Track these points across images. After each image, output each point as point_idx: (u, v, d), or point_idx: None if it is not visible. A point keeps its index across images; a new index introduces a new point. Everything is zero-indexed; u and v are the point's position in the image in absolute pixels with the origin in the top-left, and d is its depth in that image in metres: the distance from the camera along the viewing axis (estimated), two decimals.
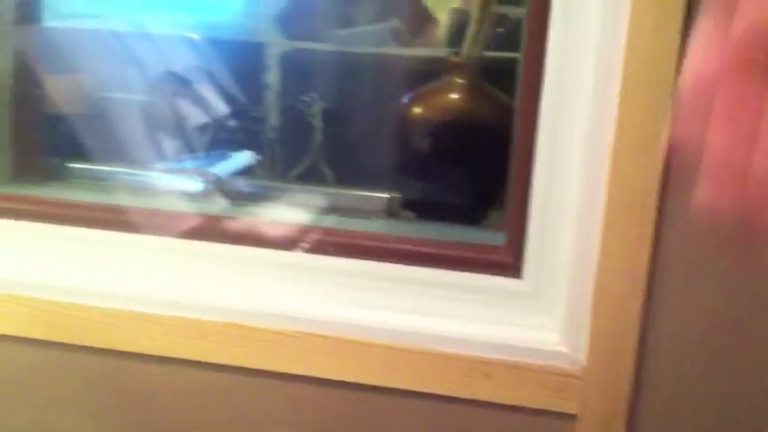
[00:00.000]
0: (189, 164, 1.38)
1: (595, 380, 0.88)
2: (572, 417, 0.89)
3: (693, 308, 0.85)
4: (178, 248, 1.03)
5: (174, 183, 1.24)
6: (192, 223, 1.04)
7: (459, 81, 1.12)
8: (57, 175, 1.23)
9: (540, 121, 0.89)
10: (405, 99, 1.17)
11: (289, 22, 1.67)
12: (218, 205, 1.15)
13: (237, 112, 1.48)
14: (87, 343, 1.01)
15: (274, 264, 1.00)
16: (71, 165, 1.24)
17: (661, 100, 0.80)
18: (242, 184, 1.25)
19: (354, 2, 1.71)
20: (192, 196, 1.17)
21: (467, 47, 1.11)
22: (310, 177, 1.40)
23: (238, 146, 1.47)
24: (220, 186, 1.20)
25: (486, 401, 0.91)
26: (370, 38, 1.64)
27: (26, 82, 1.19)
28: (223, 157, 1.43)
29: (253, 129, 1.53)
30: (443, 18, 1.63)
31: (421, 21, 1.65)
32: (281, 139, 1.55)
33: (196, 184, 1.22)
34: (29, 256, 1.06)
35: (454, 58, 1.12)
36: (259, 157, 1.48)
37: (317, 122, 1.43)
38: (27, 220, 1.07)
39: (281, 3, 1.67)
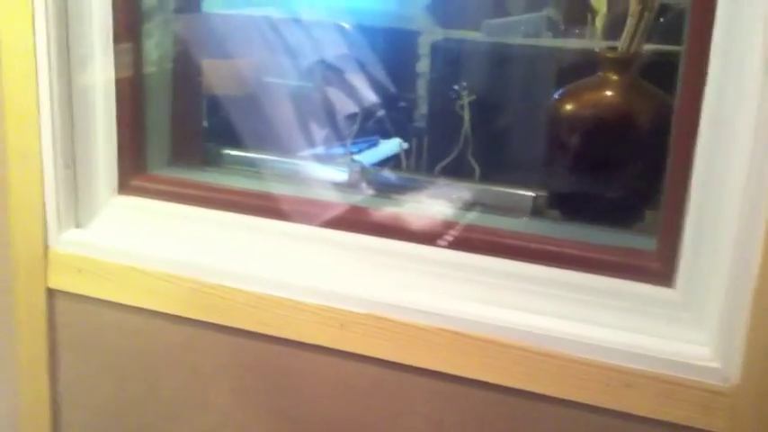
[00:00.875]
0: (336, 151, 1.40)
1: (749, 399, 0.82)
2: None
3: None
4: (322, 237, 1.04)
5: (322, 171, 1.26)
6: (336, 212, 1.05)
7: (614, 78, 1.08)
8: (212, 161, 1.27)
9: (702, 119, 0.84)
10: (555, 95, 1.14)
11: (441, 11, 1.66)
12: (363, 195, 1.16)
13: (385, 102, 1.48)
14: (233, 324, 1.04)
15: (415, 257, 1.00)
16: (226, 151, 1.28)
17: None
18: (386, 175, 1.26)
19: None
20: (338, 185, 1.19)
21: (623, 42, 1.06)
22: (455, 170, 1.39)
23: (385, 135, 1.47)
24: (365, 176, 1.21)
25: (626, 413, 0.87)
26: (523, 28, 1.61)
27: (185, 68, 1.23)
28: (371, 145, 1.44)
29: (400, 118, 1.53)
30: (603, 8, 1.56)
31: (579, 11, 1.60)
32: (428, 130, 1.55)
33: (343, 174, 1.23)
34: (183, 237, 1.10)
35: (609, 54, 1.08)
36: (405, 147, 1.48)
37: (465, 114, 1.41)
38: (183, 203, 1.11)
39: None
